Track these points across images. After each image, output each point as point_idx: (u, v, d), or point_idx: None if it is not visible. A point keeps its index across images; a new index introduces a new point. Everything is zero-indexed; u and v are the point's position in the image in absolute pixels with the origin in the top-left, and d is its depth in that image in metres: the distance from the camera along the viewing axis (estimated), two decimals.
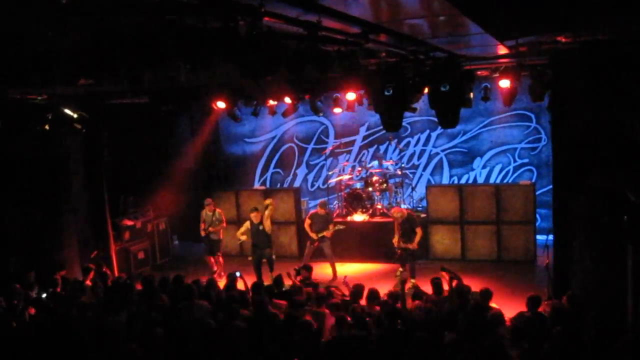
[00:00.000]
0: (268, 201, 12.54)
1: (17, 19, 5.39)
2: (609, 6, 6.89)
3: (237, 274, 9.80)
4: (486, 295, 8.15)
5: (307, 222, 13.43)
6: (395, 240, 12.28)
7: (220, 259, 13.64)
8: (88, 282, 10.33)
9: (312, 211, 13.88)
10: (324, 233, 13.16)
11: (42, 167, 12.25)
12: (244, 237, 12.69)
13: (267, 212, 12.30)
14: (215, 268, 13.34)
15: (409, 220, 12.20)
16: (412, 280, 11.67)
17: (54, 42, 6.21)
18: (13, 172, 11.63)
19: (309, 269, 10.20)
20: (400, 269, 12.66)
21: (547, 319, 7.37)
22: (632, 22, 7.38)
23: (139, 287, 9.83)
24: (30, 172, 11.95)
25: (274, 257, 12.52)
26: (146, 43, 5.10)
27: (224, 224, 13.62)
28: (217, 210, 13.53)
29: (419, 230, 12.17)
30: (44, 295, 9.88)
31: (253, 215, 12.43)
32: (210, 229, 13.26)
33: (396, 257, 12.55)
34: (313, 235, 13.23)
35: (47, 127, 11.41)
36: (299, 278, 9.99)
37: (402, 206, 15.34)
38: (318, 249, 13.32)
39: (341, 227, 13.44)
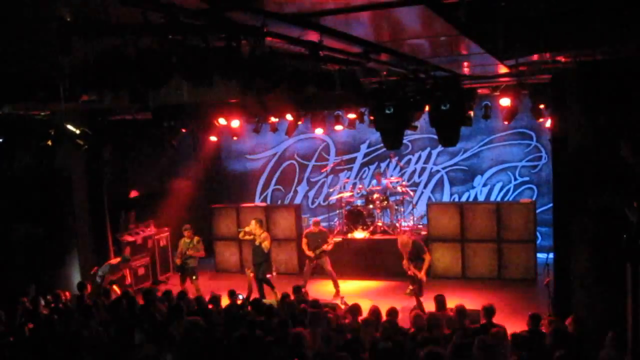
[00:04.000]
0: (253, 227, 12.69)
1: (21, 36, 5.45)
2: (607, 27, 6.96)
3: (240, 296, 9.84)
4: (489, 312, 8.11)
5: (304, 241, 13.45)
6: (404, 262, 12.08)
7: (197, 283, 12.96)
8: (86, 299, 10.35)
9: (306, 230, 13.86)
10: (323, 248, 13.16)
11: (44, 183, 12.31)
12: (241, 234, 13.02)
13: (265, 240, 12.45)
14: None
15: (415, 247, 11.98)
16: (420, 299, 11.61)
17: (58, 59, 6.27)
18: (15, 188, 11.66)
19: (297, 290, 10.17)
20: (410, 287, 12.63)
21: (546, 336, 7.36)
22: (631, 42, 7.45)
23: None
24: (32, 187, 12.00)
25: (268, 276, 12.49)
26: (149, 61, 5.15)
27: (202, 253, 13.09)
28: (196, 237, 12.99)
29: (426, 257, 11.89)
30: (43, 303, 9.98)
31: (252, 223, 12.60)
32: (189, 252, 12.76)
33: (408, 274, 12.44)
34: (310, 254, 13.24)
35: (49, 142, 11.45)
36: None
37: (403, 224, 15.39)
38: (318, 267, 13.32)
39: (338, 239, 13.46)
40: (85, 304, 9.33)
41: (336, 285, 13.24)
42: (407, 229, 14.88)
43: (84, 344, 7.35)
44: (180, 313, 8.40)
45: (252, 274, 12.57)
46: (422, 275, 11.69)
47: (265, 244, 12.38)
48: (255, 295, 12.11)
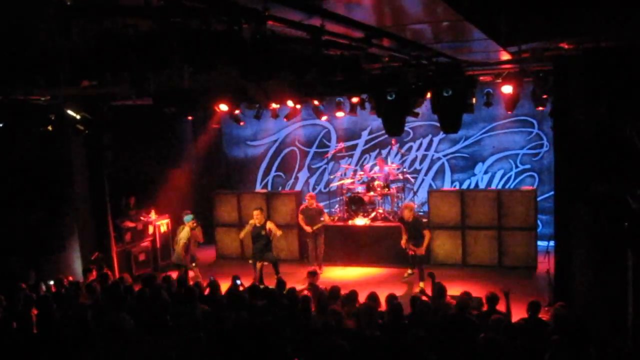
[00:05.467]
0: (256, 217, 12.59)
1: (22, 19, 5.41)
2: (612, 13, 6.91)
3: (238, 282, 9.84)
4: (492, 299, 8.10)
5: (300, 217, 13.84)
6: (403, 242, 12.35)
7: (196, 270, 12.96)
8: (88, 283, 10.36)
9: (302, 206, 14.12)
10: (319, 225, 13.60)
11: (44, 168, 12.28)
12: (242, 235, 12.92)
13: (273, 228, 12.44)
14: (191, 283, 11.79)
15: (415, 223, 12.27)
16: (421, 284, 11.67)
17: (58, 43, 6.23)
18: (15, 173, 11.65)
19: (314, 274, 10.17)
20: (409, 272, 12.74)
21: (546, 324, 7.36)
22: (635, 29, 7.40)
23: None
24: (32, 173, 11.97)
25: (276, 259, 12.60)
26: (150, 45, 5.12)
27: (201, 239, 13.07)
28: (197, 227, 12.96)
29: (426, 233, 12.31)
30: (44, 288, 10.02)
31: (256, 213, 12.47)
32: (182, 234, 12.64)
33: (409, 260, 12.59)
34: (307, 229, 13.57)
35: (50, 128, 11.42)
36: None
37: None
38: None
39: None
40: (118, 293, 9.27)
41: (320, 264, 13.75)
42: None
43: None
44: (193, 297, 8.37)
45: (259, 264, 12.52)
46: (421, 250, 12.13)
47: (271, 231, 12.43)
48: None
